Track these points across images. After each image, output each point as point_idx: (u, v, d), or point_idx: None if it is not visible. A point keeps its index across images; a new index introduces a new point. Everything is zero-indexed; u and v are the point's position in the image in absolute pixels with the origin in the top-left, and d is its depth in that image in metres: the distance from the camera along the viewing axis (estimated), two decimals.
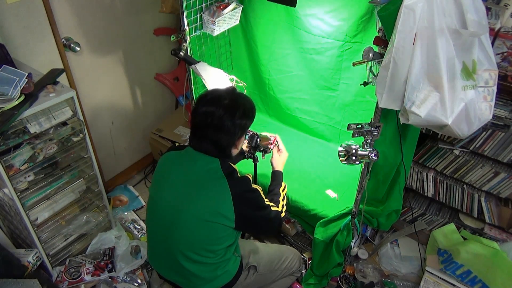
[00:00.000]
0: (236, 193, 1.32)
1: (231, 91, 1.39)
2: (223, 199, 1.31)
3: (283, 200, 1.59)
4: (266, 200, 1.45)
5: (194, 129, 1.36)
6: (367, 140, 1.48)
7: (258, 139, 1.78)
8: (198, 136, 1.35)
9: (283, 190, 1.64)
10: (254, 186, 1.41)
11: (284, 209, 1.56)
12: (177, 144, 1.49)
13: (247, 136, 1.79)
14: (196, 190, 1.33)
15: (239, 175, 1.39)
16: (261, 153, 1.82)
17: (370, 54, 1.27)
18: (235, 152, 1.43)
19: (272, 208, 1.46)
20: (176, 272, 1.43)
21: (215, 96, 1.34)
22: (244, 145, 1.85)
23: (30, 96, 1.53)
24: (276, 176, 1.69)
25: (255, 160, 1.80)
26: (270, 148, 1.82)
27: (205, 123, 1.31)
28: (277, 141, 1.83)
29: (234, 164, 1.45)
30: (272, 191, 1.62)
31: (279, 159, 1.75)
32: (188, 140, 1.46)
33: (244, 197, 1.36)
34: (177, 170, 1.39)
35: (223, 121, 1.29)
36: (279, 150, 1.80)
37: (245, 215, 1.36)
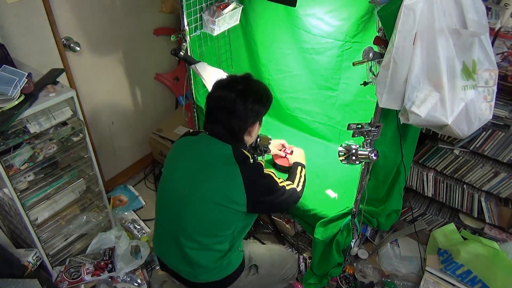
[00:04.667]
0: (248, 180, 1.33)
1: (247, 77, 1.42)
2: (234, 185, 1.32)
3: (300, 177, 1.65)
4: (280, 181, 1.47)
5: (208, 113, 1.39)
6: (367, 140, 1.48)
7: (258, 139, 1.80)
8: (211, 120, 1.37)
9: (301, 170, 1.73)
10: (266, 171, 1.42)
11: (301, 184, 1.61)
12: (190, 130, 1.51)
13: None
14: (208, 173, 1.34)
15: (251, 162, 1.39)
16: (261, 154, 1.85)
17: (370, 54, 1.27)
18: (249, 140, 1.45)
19: (287, 187, 1.49)
20: (179, 259, 1.44)
21: (230, 81, 1.38)
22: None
23: (30, 96, 1.53)
24: (295, 164, 1.80)
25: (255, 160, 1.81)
26: (269, 149, 1.90)
27: (218, 107, 1.34)
28: (285, 146, 1.96)
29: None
30: (291, 172, 1.72)
31: (294, 157, 1.89)
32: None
33: (257, 184, 1.37)
34: (190, 154, 1.41)
35: (236, 105, 1.31)
36: (291, 153, 1.94)
37: (258, 200, 1.38)
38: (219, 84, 1.39)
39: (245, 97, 1.33)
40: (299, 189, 1.58)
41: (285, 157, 2.01)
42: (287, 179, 1.64)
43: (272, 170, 1.47)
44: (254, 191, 1.35)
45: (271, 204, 1.46)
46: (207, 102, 1.39)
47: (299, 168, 1.76)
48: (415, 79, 1.17)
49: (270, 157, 2.07)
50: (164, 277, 2.01)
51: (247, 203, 1.34)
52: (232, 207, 1.34)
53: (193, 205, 1.35)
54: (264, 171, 1.42)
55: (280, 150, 2.00)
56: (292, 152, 1.97)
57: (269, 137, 1.87)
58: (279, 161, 2.01)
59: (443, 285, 1.90)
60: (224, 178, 1.34)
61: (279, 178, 1.49)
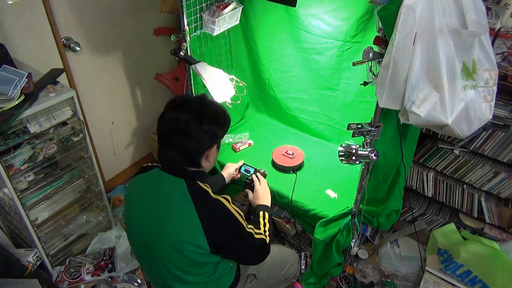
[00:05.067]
0: (205, 218, 1.19)
1: (201, 97, 1.30)
2: (191, 227, 1.19)
3: (264, 225, 1.42)
4: (248, 226, 1.30)
5: (160, 138, 1.25)
6: (367, 140, 1.48)
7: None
8: (165, 144, 1.24)
9: (264, 215, 1.48)
10: (230, 209, 1.25)
11: (269, 235, 1.39)
12: (145, 165, 1.42)
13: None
14: (164, 218, 1.22)
15: (212, 197, 1.24)
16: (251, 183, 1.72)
17: (370, 54, 1.27)
18: (207, 165, 1.31)
19: (256, 236, 1.31)
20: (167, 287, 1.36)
21: (183, 101, 1.25)
22: (235, 172, 1.85)
23: (30, 96, 1.53)
24: (258, 208, 1.56)
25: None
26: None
27: (171, 129, 1.21)
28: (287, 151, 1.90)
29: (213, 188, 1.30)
30: (253, 220, 1.47)
31: (257, 198, 1.62)
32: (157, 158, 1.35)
33: (216, 223, 1.22)
34: (144, 197, 1.29)
35: (190, 126, 1.19)
36: (292, 154, 1.93)
37: (220, 243, 1.23)
38: (172, 105, 1.24)
39: (201, 118, 1.20)
40: (268, 240, 1.35)
41: (289, 157, 2.03)
42: (249, 224, 1.35)
43: (239, 210, 1.27)
44: (213, 230, 1.20)
45: (236, 250, 1.28)
46: (159, 125, 1.24)
47: (261, 214, 1.48)
48: (415, 79, 1.17)
49: (270, 159, 2.08)
50: None
51: (209, 245, 1.20)
52: (194, 251, 1.20)
53: (157, 254, 1.25)
54: (228, 209, 1.24)
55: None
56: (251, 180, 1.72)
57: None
58: (279, 161, 2.02)
59: (443, 285, 1.90)
60: (180, 220, 1.20)
61: (246, 222, 1.29)
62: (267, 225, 1.44)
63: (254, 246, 1.30)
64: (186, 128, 1.19)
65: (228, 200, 1.27)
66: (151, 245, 1.27)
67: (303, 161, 2.05)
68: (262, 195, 1.63)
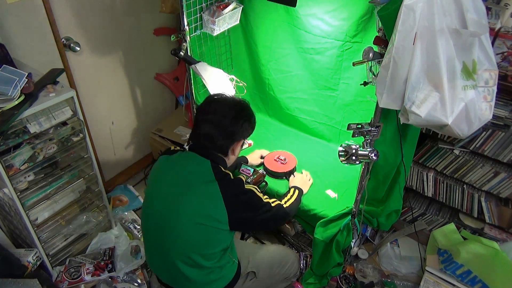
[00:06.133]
0: (228, 197, 1.31)
1: (239, 98, 1.45)
2: (214, 203, 1.30)
3: (291, 196, 1.63)
4: (264, 198, 1.44)
5: (196, 124, 1.39)
6: (367, 140, 1.48)
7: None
8: (198, 130, 1.37)
9: (294, 191, 1.70)
10: (247, 186, 1.40)
11: (290, 202, 1.59)
12: (171, 148, 1.50)
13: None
14: (187, 194, 1.32)
15: (232, 178, 1.37)
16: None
17: (370, 54, 1.27)
18: (231, 158, 1.45)
19: (273, 204, 1.46)
20: (172, 276, 1.43)
21: (222, 97, 1.42)
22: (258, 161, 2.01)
23: (30, 96, 1.53)
24: (292, 187, 1.78)
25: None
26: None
27: (207, 119, 1.35)
28: (280, 157, 2.01)
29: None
30: (283, 194, 1.69)
31: (295, 181, 1.87)
32: (188, 139, 1.47)
33: (237, 200, 1.34)
34: (169, 174, 1.39)
35: (226, 119, 1.34)
36: (284, 160, 2.00)
37: (240, 217, 1.35)
38: (211, 98, 1.42)
39: (237, 113, 1.37)
40: (286, 205, 1.54)
41: (281, 163, 2.01)
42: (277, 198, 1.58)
43: (254, 186, 1.44)
44: (235, 207, 1.32)
45: (254, 221, 1.42)
46: (196, 114, 1.41)
47: (292, 189, 1.72)
48: (415, 79, 1.17)
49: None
50: None
51: (229, 221, 1.31)
52: (214, 226, 1.31)
53: (175, 228, 1.32)
54: (246, 187, 1.39)
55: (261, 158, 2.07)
56: (285, 160, 2.00)
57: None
58: (270, 166, 1.99)
59: (443, 285, 1.90)
60: (203, 196, 1.31)
61: (263, 195, 1.46)
62: (293, 197, 1.64)
63: (270, 213, 1.44)
64: (222, 119, 1.34)
65: (243, 180, 1.42)
66: (169, 218, 1.33)
67: (295, 167, 2.00)
68: (300, 181, 1.85)
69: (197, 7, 1.85)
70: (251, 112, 1.45)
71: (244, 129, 1.40)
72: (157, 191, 1.40)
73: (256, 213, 1.40)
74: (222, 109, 1.36)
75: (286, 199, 1.61)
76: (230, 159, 1.45)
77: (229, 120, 1.35)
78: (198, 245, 1.33)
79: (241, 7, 1.97)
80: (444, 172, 1.98)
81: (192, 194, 1.31)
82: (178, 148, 1.48)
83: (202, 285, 1.41)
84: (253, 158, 2.03)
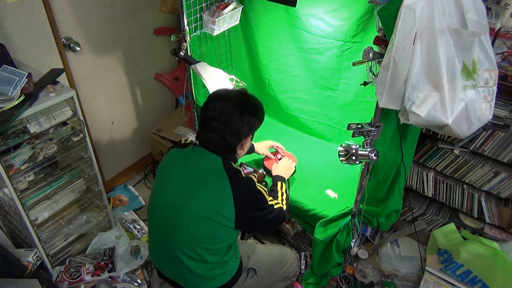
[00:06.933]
0: (239, 195, 1.32)
1: (243, 91, 1.43)
2: (224, 200, 1.31)
3: (282, 194, 1.62)
4: (269, 199, 1.46)
5: (202, 122, 1.39)
6: (367, 140, 1.48)
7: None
8: (205, 128, 1.37)
9: (281, 186, 1.68)
10: (258, 187, 1.41)
11: (285, 202, 1.58)
12: (182, 140, 1.51)
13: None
14: (197, 187, 1.33)
15: (243, 176, 1.38)
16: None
17: (370, 54, 1.27)
18: (240, 153, 1.45)
19: (275, 206, 1.47)
20: (175, 269, 1.43)
21: (226, 93, 1.40)
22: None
23: (30, 96, 1.53)
24: (275, 179, 1.75)
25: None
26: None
27: (214, 117, 1.33)
28: (278, 152, 1.99)
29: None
30: (271, 189, 1.68)
31: (278, 168, 1.85)
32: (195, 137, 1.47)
33: (247, 199, 1.36)
34: (180, 167, 1.40)
35: (232, 116, 1.32)
36: (279, 159, 1.96)
37: (246, 216, 1.36)
38: (215, 95, 1.40)
39: (242, 109, 1.34)
40: (285, 207, 1.55)
41: (277, 160, 2.01)
42: (269, 195, 1.55)
43: (264, 187, 1.44)
44: (243, 205, 1.33)
45: (258, 221, 1.43)
46: (202, 111, 1.39)
47: (279, 184, 1.70)
48: (415, 79, 1.17)
49: (262, 157, 2.07)
50: None
51: (236, 218, 1.32)
52: (221, 222, 1.31)
53: (182, 220, 1.33)
54: (256, 187, 1.40)
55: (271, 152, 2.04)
56: (280, 159, 1.97)
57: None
58: (270, 166, 1.98)
59: (443, 285, 1.90)
60: (214, 191, 1.32)
61: (269, 196, 1.47)
62: (284, 194, 1.63)
63: (273, 215, 1.44)
64: (228, 117, 1.32)
65: (255, 180, 1.42)
66: (178, 211, 1.33)
67: (294, 167, 2.00)
68: (284, 168, 1.84)
69: (197, 7, 1.85)
70: (257, 105, 1.42)
71: (252, 124, 1.39)
72: (167, 184, 1.40)
73: (261, 214, 1.41)
74: (228, 106, 1.34)
75: (280, 198, 1.60)
76: (240, 154, 1.45)
77: (236, 117, 1.33)
78: (204, 240, 1.34)
79: (241, 7, 1.97)
80: (444, 172, 1.98)
81: (203, 188, 1.32)
82: (191, 141, 1.48)
83: (205, 279, 1.41)
84: (260, 147, 2.00)
